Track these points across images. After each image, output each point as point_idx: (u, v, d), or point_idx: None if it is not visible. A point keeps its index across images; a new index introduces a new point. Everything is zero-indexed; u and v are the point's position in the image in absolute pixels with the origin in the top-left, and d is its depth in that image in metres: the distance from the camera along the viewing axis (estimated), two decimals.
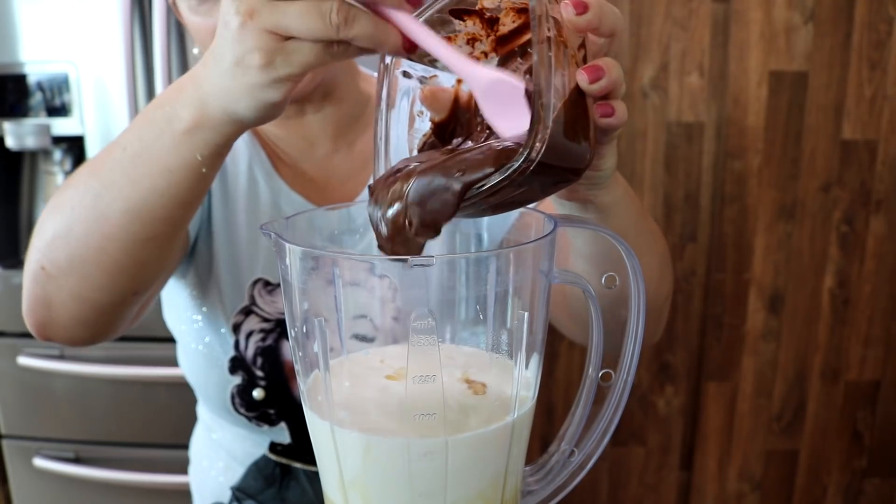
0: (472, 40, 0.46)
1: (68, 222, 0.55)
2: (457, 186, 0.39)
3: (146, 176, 0.51)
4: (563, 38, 0.40)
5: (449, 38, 0.46)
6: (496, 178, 0.39)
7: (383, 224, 0.41)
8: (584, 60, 0.43)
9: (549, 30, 0.39)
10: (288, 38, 0.42)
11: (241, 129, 0.48)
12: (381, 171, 0.46)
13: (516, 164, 0.38)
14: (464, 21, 0.46)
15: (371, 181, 0.45)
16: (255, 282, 0.78)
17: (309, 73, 0.42)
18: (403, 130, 0.48)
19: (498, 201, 0.41)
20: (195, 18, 0.69)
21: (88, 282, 0.56)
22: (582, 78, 0.42)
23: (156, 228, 0.54)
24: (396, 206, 0.40)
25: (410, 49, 0.42)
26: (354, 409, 0.43)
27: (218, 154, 0.50)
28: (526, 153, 0.38)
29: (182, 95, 0.48)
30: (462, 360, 0.48)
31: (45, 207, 0.59)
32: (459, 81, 0.47)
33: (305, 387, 0.45)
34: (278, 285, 0.78)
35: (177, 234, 0.57)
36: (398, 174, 0.42)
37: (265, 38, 0.41)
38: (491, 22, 0.45)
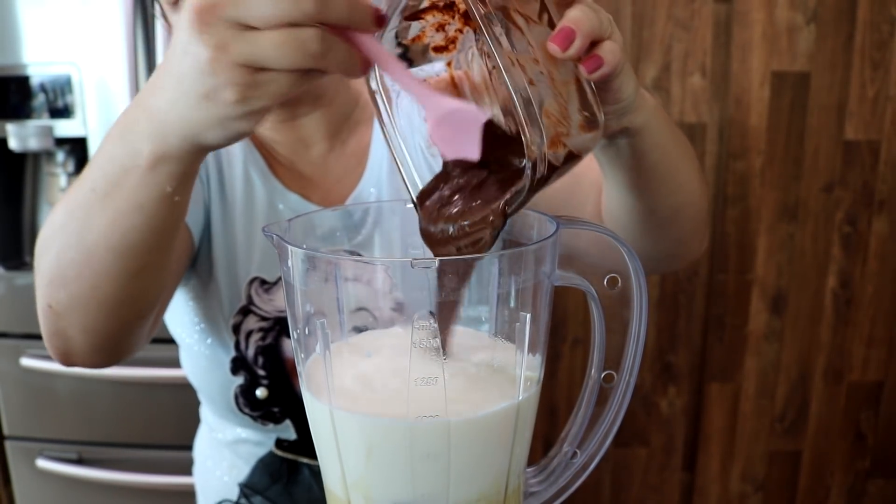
0: (440, 26, 0.46)
1: (59, 264, 0.54)
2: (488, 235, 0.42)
3: (120, 214, 0.49)
4: (515, 17, 0.39)
5: (419, 38, 0.46)
6: (517, 201, 0.40)
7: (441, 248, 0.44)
8: (552, 25, 0.42)
9: (497, 20, 0.38)
10: (261, 70, 0.39)
11: (205, 154, 0.46)
12: (413, 190, 0.47)
13: (522, 184, 0.38)
14: (424, 19, 0.45)
15: (414, 198, 0.46)
16: (252, 281, 0.78)
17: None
18: (417, 138, 0.48)
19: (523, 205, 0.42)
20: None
21: (92, 315, 0.57)
22: (554, 49, 0.40)
23: (143, 260, 0.53)
24: (449, 246, 0.43)
25: (366, 70, 0.41)
26: (355, 402, 0.43)
27: (187, 181, 0.48)
28: (530, 165, 0.38)
29: (137, 128, 0.45)
30: (466, 344, 0.48)
31: (37, 242, 0.58)
32: (449, 64, 0.47)
33: (305, 377, 0.45)
34: (275, 283, 0.78)
35: (167, 259, 0.56)
36: (441, 210, 0.44)
37: (238, 72, 0.39)
38: (449, 6, 0.45)
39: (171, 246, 0.55)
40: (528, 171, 0.38)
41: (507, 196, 0.41)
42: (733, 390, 1.78)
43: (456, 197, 0.45)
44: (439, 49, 0.46)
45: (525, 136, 0.38)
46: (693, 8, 1.59)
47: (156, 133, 0.44)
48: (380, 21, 0.40)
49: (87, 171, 0.51)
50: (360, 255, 0.64)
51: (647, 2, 1.59)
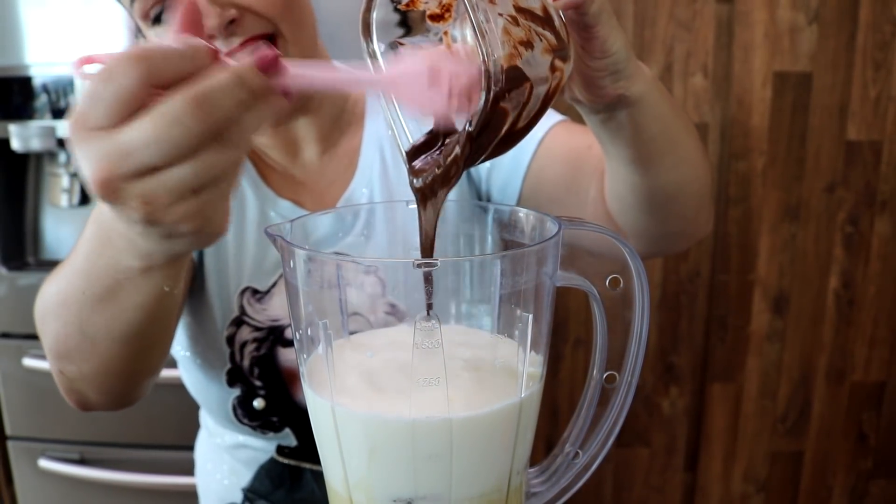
0: None
1: (64, 345, 0.55)
2: (455, 171, 0.42)
3: (119, 313, 0.49)
4: None
5: (413, 3, 0.45)
6: (478, 120, 0.39)
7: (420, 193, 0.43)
8: None
9: None
10: (197, 190, 0.35)
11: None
12: (404, 149, 0.47)
13: (480, 102, 0.38)
14: (411, 6, 0.45)
15: (405, 154, 0.46)
16: (243, 291, 0.78)
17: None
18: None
19: (496, 138, 0.41)
20: (151, 35, 0.68)
21: (105, 384, 0.59)
22: None
23: (149, 339, 0.54)
24: (429, 190, 0.43)
25: (289, 94, 0.37)
26: (358, 400, 0.43)
27: (181, 274, 0.48)
28: (485, 78, 0.37)
29: (117, 246, 0.43)
30: (468, 342, 0.48)
31: (35, 309, 0.59)
32: (446, 33, 0.47)
33: (307, 375, 0.45)
34: (266, 293, 0.78)
35: (174, 327, 0.57)
36: (425, 160, 0.44)
37: (180, 208, 0.35)
38: None
39: (176, 320, 0.55)
40: (484, 83, 0.38)
41: (470, 118, 0.40)
42: (735, 391, 1.78)
43: (439, 150, 0.45)
44: (435, 18, 0.46)
45: (480, 46, 0.37)
46: (695, 8, 1.59)
47: (140, 254, 0.42)
48: (272, 67, 0.35)
49: (72, 272, 0.51)
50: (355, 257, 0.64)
51: (649, 2, 1.59)
